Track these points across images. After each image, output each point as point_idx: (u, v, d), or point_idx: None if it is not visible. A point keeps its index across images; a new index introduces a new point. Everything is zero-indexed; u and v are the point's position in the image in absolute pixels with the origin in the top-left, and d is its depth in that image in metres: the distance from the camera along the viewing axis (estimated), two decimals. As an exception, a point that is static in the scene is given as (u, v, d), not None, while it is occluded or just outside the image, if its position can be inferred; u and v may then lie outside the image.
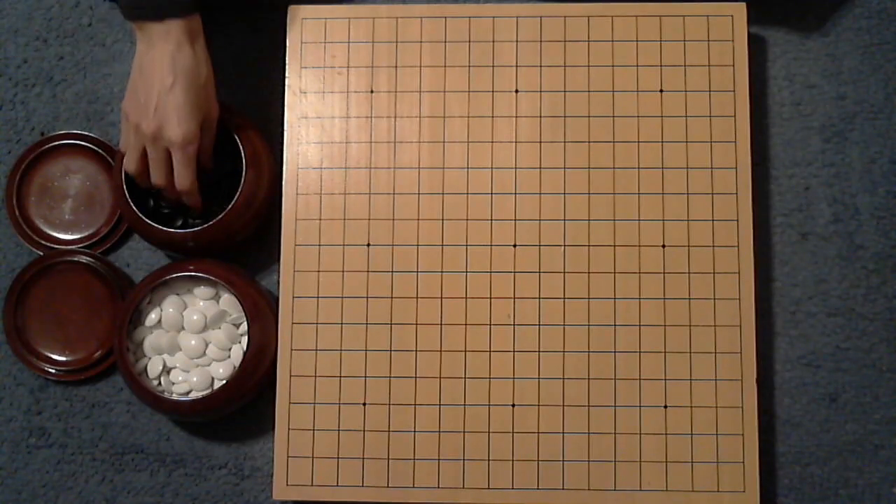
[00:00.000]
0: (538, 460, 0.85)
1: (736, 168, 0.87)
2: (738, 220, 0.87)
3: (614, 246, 0.87)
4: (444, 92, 0.89)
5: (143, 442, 0.91)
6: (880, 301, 0.90)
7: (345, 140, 0.89)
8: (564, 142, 0.88)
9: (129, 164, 0.84)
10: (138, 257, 0.93)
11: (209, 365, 0.87)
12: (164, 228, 0.85)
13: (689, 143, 0.88)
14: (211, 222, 0.84)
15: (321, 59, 0.90)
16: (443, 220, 0.88)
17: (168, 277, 0.86)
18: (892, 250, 0.90)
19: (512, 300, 0.87)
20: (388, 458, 0.85)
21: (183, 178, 0.82)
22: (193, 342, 0.87)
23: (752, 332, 0.86)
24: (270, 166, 0.88)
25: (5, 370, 0.93)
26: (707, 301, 0.86)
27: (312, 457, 0.86)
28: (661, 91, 0.88)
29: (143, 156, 0.83)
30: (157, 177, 0.83)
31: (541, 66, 0.89)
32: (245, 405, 0.88)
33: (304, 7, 0.90)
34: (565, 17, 0.89)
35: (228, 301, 0.87)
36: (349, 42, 0.90)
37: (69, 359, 0.91)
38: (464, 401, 0.86)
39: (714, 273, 0.86)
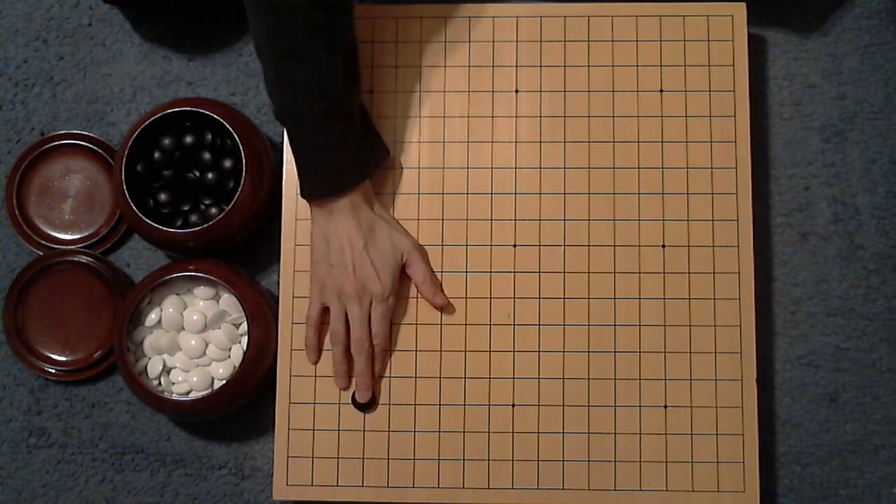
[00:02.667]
0: (538, 460, 0.85)
1: (736, 168, 0.87)
2: (738, 220, 0.87)
3: (614, 246, 0.87)
4: (444, 92, 0.89)
5: (143, 442, 0.91)
6: (880, 301, 0.90)
7: (345, 140, 0.89)
8: (564, 142, 0.88)
9: (311, 318, 0.85)
10: (138, 257, 0.93)
11: (209, 365, 0.87)
12: (164, 228, 0.85)
13: (689, 143, 0.88)
14: (211, 222, 0.84)
15: (321, 59, 0.90)
16: (443, 220, 0.88)
17: (168, 277, 0.86)
18: (892, 250, 0.90)
19: (512, 300, 0.86)
20: (388, 458, 0.85)
21: (381, 327, 0.83)
22: (193, 342, 0.87)
23: (752, 332, 0.85)
24: (270, 166, 0.88)
25: (5, 370, 0.93)
26: (707, 301, 0.86)
27: (312, 457, 0.86)
28: (661, 91, 0.88)
29: (324, 312, 0.84)
30: (357, 329, 0.83)
31: (541, 66, 0.89)
32: (245, 405, 0.88)
33: (304, 7, 0.90)
34: (565, 17, 0.89)
35: (228, 301, 0.87)
36: (349, 42, 0.90)
37: (69, 359, 0.91)
38: (464, 401, 0.86)
39: (714, 273, 0.86)
